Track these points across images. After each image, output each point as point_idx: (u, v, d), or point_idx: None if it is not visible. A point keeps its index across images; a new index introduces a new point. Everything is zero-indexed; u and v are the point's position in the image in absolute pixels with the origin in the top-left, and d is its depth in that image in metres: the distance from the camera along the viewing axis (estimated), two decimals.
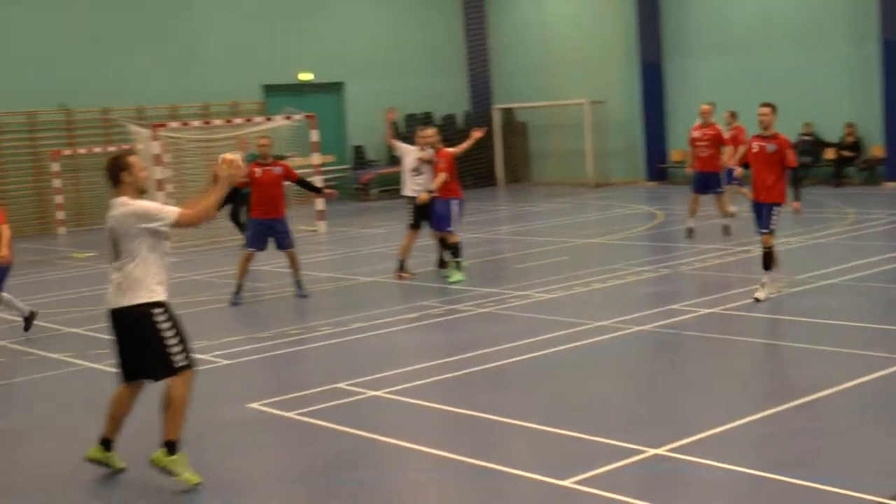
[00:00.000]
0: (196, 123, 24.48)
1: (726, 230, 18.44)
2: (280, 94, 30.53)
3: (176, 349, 7.44)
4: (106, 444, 7.73)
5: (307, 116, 24.52)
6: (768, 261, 12.84)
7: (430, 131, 15.93)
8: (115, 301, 7.45)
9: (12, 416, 9.96)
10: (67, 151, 27.11)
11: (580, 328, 11.84)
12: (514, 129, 34.25)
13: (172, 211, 7.48)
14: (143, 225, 7.36)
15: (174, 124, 23.95)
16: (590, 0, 32.28)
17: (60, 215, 26.83)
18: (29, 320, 13.36)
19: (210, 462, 7.90)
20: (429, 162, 15.75)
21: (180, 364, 7.44)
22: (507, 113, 34.10)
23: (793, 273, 14.01)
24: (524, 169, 34.57)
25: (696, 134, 18.84)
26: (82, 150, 27.28)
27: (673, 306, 12.74)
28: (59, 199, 26.78)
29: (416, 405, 9.29)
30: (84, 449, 7.90)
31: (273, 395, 9.31)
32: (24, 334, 13.30)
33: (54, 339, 13.10)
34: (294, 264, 15.17)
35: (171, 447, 7.42)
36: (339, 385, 9.93)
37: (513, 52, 33.91)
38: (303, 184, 16.28)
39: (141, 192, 7.55)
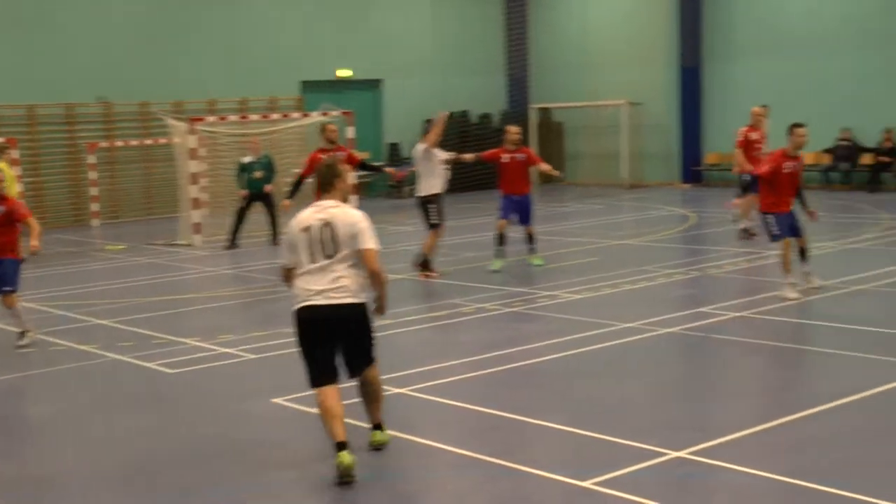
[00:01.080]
0: (233, 118, 24.60)
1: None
2: (318, 90, 30.59)
3: (374, 342, 7.83)
4: (343, 446, 7.41)
5: (344, 113, 24.58)
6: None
7: (515, 128, 16.85)
8: (339, 298, 7.49)
9: (41, 404, 10.02)
10: (104, 144, 27.29)
11: (608, 329, 11.80)
12: (551, 128, 34.17)
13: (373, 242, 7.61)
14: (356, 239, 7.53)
15: (211, 119, 24.07)
16: (632, 1, 32.22)
17: (95, 207, 27.03)
18: (23, 335, 12.39)
19: (234, 457, 7.92)
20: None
21: (374, 355, 7.87)
22: (544, 112, 34.03)
23: (827, 278, 13.91)
24: (559, 169, 34.30)
25: (755, 136, 18.44)
26: (119, 143, 27.49)
27: (702, 309, 12.67)
28: (94, 191, 26.96)
29: (441, 403, 9.28)
30: (107, 439, 7.93)
31: (298, 391, 9.29)
32: (48, 327, 13.32)
33: (82, 331, 13.17)
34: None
35: (380, 426, 8.06)
36: None
37: (552, 52, 33.86)
38: (365, 167, 18.67)
39: (344, 200, 7.85)
